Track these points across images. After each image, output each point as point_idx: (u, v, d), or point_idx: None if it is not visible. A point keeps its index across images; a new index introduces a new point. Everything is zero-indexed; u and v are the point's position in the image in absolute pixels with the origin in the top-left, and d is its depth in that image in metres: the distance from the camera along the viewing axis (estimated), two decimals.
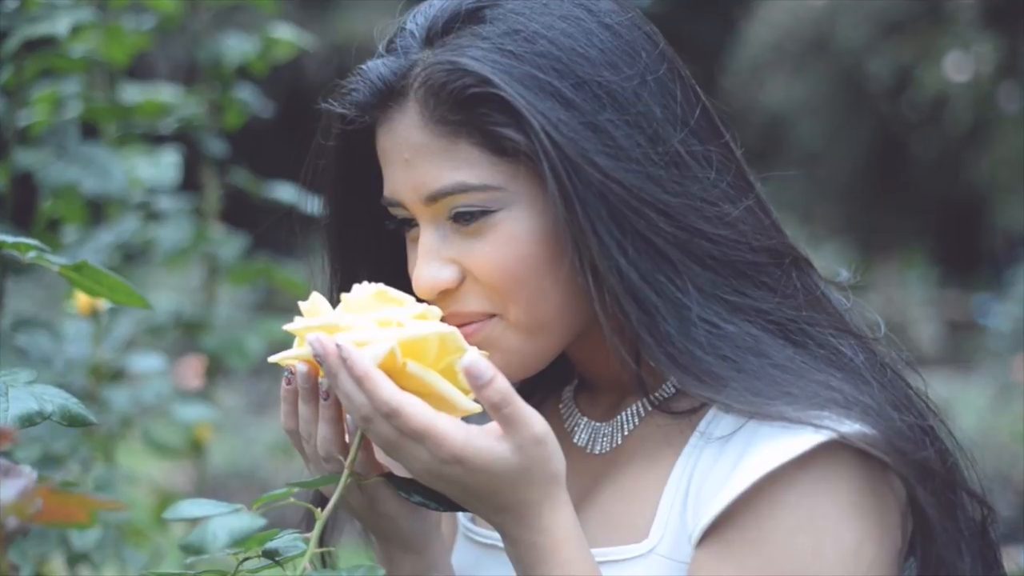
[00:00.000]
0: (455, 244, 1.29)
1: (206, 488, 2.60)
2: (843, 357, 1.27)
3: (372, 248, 1.40)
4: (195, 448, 2.47)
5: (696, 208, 1.27)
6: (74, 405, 1.25)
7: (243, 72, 2.66)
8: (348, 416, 1.23)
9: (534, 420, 1.17)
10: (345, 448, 1.23)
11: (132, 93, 2.60)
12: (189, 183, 2.64)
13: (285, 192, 2.56)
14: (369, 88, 1.31)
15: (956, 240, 13.71)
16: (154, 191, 2.55)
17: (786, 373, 1.23)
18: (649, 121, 1.27)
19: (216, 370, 2.59)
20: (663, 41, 1.34)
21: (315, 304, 1.22)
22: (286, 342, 1.28)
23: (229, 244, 2.52)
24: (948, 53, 12.72)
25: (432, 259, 1.30)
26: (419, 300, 1.26)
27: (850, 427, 1.19)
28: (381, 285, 1.22)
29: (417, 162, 1.29)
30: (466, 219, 1.28)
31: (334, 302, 1.29)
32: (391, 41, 1.33)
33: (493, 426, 1.17)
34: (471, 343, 1.27)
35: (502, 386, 1.16)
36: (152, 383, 2.21)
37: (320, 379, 1.21)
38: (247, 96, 2.64)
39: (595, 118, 1.25)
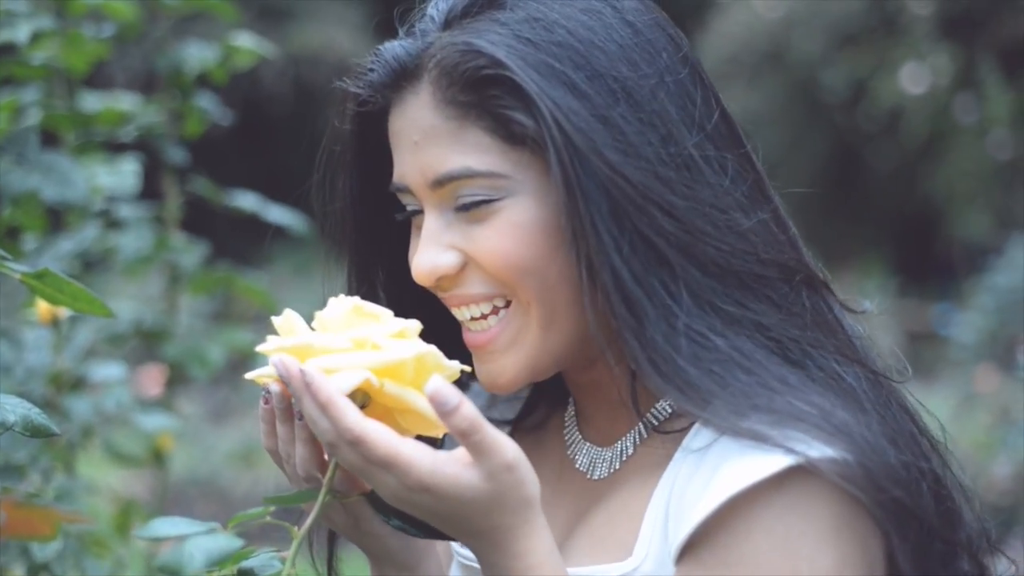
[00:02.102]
0: (458, 231, 1.28)
1: (166, 498, 2.58)
2: (843, 383, 1.25)
3: (387, 238, 1.38)
4: (156, 457, 2.45)
5: (704, 213, 1.25)
6: (36, 415, 1.24)
7: (202, 80, 2.65)
8: None
9: (505, 446, 1.14)
10: (324, 467, 1.21)
11: (91, 101, 2.58)
12: (148, 191, 2.63)
13: (246, 200, 2.55)
14: (384, 68, 1.30)
15: (913, 251, 13.78)
16: (114, 199, 2.54)
17: (774, 392, 1.20)
18: (664, 121, 1.26)
19: (177, 379, 2.57)
20: (687, 45, 1.33)
21: (289, 321, 1.19)
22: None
23: (190, 252, 2.50)
24: (904, 65, 12.80)
25: (433, 244, 1.28)
26: (412, 305, 1.27)
27: (822, 452, 1.16)
28: (357, 300, 1.20)
29: (426, 144, 1.27)
30: (470, 208, 1.26)
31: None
32: (411, 26, 1.33)
33: (462, 452, 1.15)
34: (500, 339, 1.27)
35: (469, 413, 1.13)
36: (113, 392, 2.20)
37: (294, 400, 1.19)
38: (207, 104, 2.63)
39: (608, 111, 1.24)
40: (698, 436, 1.24)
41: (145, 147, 2.65)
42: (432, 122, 1.27)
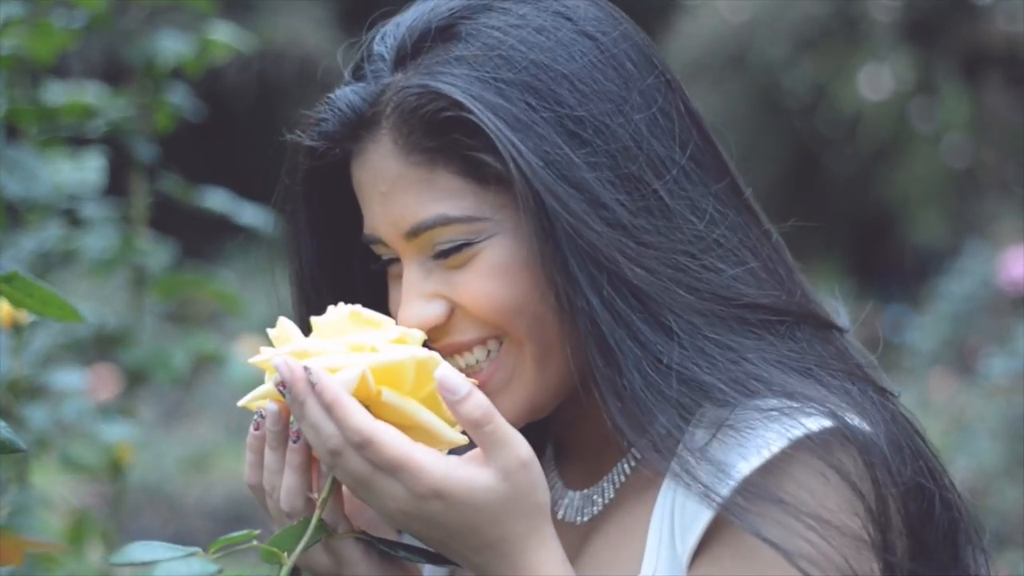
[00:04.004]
0: (439, 278, 1.21)
1: (122, 508, 2.49)
2: (852, 396, 1.19)
3: (358, 288, 1.29)
4: (114, 468, 2.36)
5: (673, 263, 1.18)
6: (3, 429, 1.16)
7: (172, 74, 2.56)
8: (318, 461, 1.14)
9: (519, 441, 1.09)
10: (311, 504, 1.13)
11: (55, 93, 2.49)
12: (112, 189, 2.53)
13: (216, 200, 2.46)
14: (339, 118, 1.22)
15: (868, 255, 13.90)
16: (77, 197, 2.44)
17: (786, 387, 1.16)
18: (632, 162, 1.19)
19: (136, 384, 2.48)
20: (662, 62, 1.25)
21: (283, 330, 1.13)
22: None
23: (158, 254, 2.41)
24: (863, 70, 12.91)
25: (415, 296, 1.21)
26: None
27: (856, 423, 1.14)
28: (357, 306, 1.14)
29: (394, 195, 1.20)
30: (449, 254, 1.19)
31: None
32: (358, 67, 1.24)
33: (474, 452, 1.09)
34: (495, 379, 1.20)
35: (482, 400, 1.07)
36: (72, 400, 2.10)
37: (290, 421, 1.12)
38: (179, 99, 2.53)
39: (570, 154, 1.17)
40: (692, 436, 1.16)
41: (109, 142, 2.56)
42: (398, 171, 1.20)
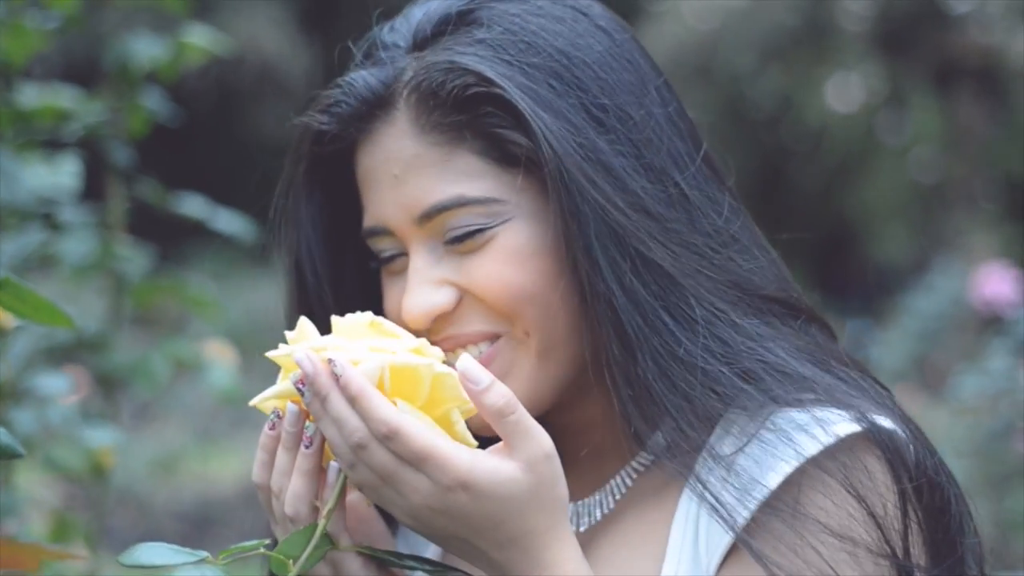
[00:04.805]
0: (449, 264, 1.19)
1: (104, 510, 2.48)
2: (868, 391, 1.20)
3: (358, 288, 1.29)
4: (96, 471, 2.34)
5: (699, 251, 1.19)
6: (3, 435, 1.16)
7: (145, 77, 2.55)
8: (330, 466, 1.13)
9: (542, 433, 1.08)
10: (315, 510, 1.12)
11: (28, 96, 2.48)
12: (88, 193, 2.52)
13: (192, 205, 2.45)
14: (355, 97, 1.20)
15: (830, 270, 13.98)
16: (53, 201, 2.43)
17: (807, 381, 1.17)
18: (655, 152, 1.20)
19: (113, 389, 2.47)
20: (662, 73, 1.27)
21: (303, 331, 1.12)
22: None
23: (137, 259, 2.40)
24: (831, 81, 12.94)
25: (423, 283, 1.19)
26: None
27: (882, 422, 1.14)
28: (377, 316, 1.12)
29: (408, 177, 1.18)
30: (463, 240, 1.18)
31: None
32: (368, 54, 1.23)
33: (498, 445, 1.08)
34: (491, 369, 1.16)
35: (504, 391, 1.06)
36: (57, 405, 2.09)
37: (307, 423, 1.11)
38: (153, 103, 2.52)
39: (596, 139, 1.17)
40: (721, 439, 1.16)
41: (83, 146, 2.54)
42: (415, 151, 1.19)
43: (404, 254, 1.22)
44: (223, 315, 2.47)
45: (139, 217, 2.56)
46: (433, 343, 1.20)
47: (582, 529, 1.26)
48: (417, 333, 1.19)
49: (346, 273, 1.29)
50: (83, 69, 2.60)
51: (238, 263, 9.01)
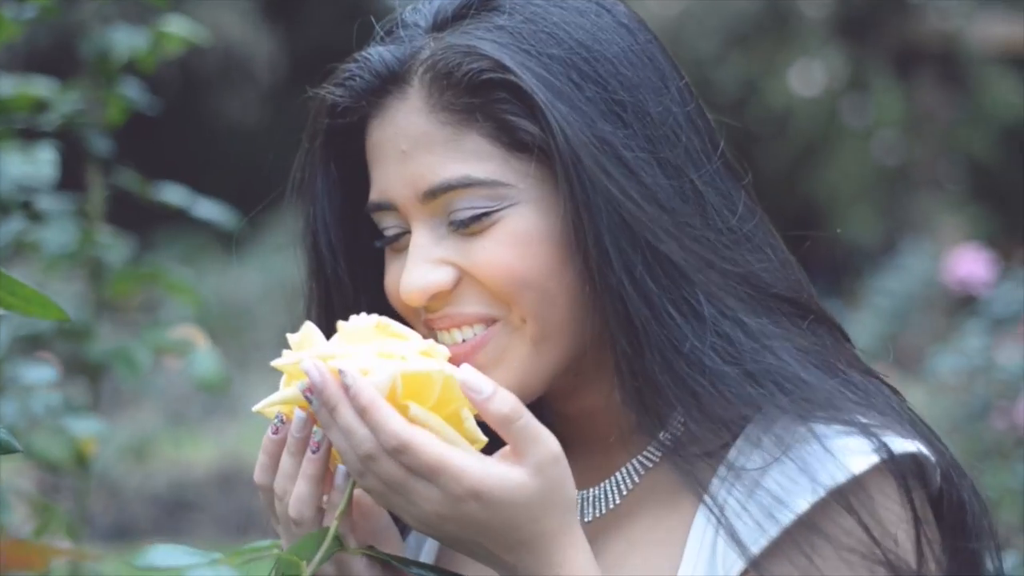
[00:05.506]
0: (451, 245, 1.19)
1: (86, 501, 2.48)
2: (876, 398, 1.20)
3: (362, 272, 1.28)
4: (79, 461, 2.34)
5: (712, 247, 1.19)
6: (0, 432, 1.15)
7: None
8: (338, 469, 1.13)
9: (549, 436, 1.08)
10: (320, 514, 1.12)
11: (4, 85, 2.47)
12: (64, 183, 2.51)
13: (173, 194, 2.45)
14: (370, 73, 1.20)
15: (795, 252, 14.02)
16: (30, 190, 2.42)
17: (819, 390, 1.17)
18: (671, 148, 1.20)
19: (95, 378, 2.46)
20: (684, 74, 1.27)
21: (308, 336, 1.11)
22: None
23: (117, 248, 2.39)
24: (794, 66, 12.96)
25: (423, 260, 1.19)
26: (405, 324, 1.17)
27: (903, 447, 1.15)
28: (383, 317, 1.12)
29: (416, 153, 1.18)
30: (467, 223, 1.18)
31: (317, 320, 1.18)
32: (389, 32, 1.24)
33: (505, 451, 1.08)
34: (481, 355, 1.18)
35: (509, 397, 1.06)
36: (40, 395, 2.09)
37: (314, 428, 1.11)
38: (132, 92, 2.52)
39: (613, 133, 1.18)
40: (748, 453, 1.17)
41: (59, 135, 2.54)
42: (425, 128, 1.19)
43: (408, 232, 1.22)
44: (200, 302, 2.47)
45: (109, 204, 2.55)
46: (428, 322, 1.20)
47: (587, 520, 1.26)
48: (414, 311, 1.20)
49: (361, 248, 1.29)
50: (48, 58, 2.58)
51: (206, 249, 8.98)
